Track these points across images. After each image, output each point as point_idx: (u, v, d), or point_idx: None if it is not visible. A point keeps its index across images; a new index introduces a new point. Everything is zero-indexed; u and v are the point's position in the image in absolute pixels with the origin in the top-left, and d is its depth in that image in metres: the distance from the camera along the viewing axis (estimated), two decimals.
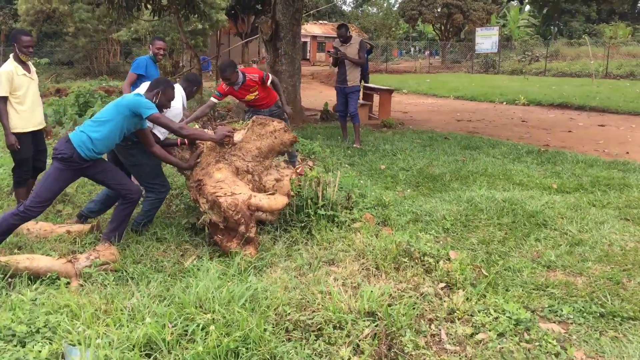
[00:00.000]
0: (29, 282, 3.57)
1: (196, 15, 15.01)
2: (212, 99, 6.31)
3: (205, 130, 4.80)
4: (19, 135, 5.15)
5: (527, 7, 47.76)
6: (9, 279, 3.57)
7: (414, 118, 12.64)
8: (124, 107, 4.06)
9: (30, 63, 5.38)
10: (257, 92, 6.21)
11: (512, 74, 30.71)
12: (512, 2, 48.95)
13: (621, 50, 31.54)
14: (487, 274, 3.73)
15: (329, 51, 8.71)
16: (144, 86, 4.78)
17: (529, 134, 10.17)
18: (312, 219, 4.49)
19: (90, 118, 4.32)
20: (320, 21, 55.72)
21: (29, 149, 5.31)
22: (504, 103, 16.36)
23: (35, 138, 5.36)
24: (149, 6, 13.92)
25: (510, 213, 5.00)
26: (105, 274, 3.70)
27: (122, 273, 3.79)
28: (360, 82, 13.61)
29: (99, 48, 27.92)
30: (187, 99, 5.14)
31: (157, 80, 4.44)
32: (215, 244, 4.23)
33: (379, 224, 4.72)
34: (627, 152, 8.27)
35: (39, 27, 26.82)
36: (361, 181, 5.92)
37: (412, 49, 59.07)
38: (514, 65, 33.05)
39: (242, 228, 3.94)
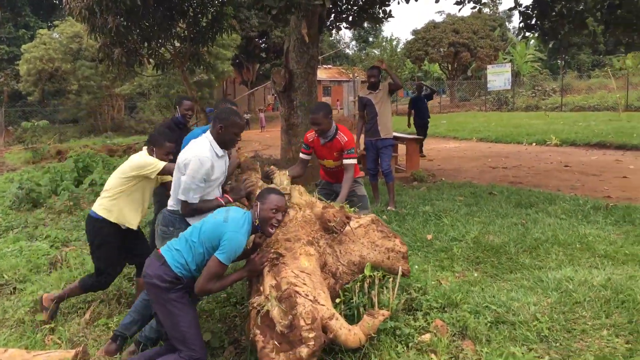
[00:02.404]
0: None
1: (202, 67, 14.20)
2: (301, 154, 5.25)
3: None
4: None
5: (532, 42, 47.20)
6: None
7: (443, 167, 11.56)
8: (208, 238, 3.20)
9: None
10: (339, 162, 5.13)
11: (527, 110, 29.84)
12: (518, 37, 48.37)
13: (632, 80, 30.50)
14: None
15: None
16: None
17: (579, 182, 9.05)
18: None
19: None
20: (325, 65, 55.67)
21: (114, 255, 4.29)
22: (534, 144, 15.29)
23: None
24: (151, 61, 13.15)
25: (619, 307, 3.83)
26: None
27: None
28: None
29: (102, 104, 27.31)
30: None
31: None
32: (248, 337, 3.16)
33: (454, 334, 3.57)
34: None
35: (42, 86, 26.28)
36: (416, 266, 4.78)
37: None
38: (528, 101, 32.24)
39: (303, 350, 2.79)
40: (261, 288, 3.19)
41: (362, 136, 7.96)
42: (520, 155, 13.02)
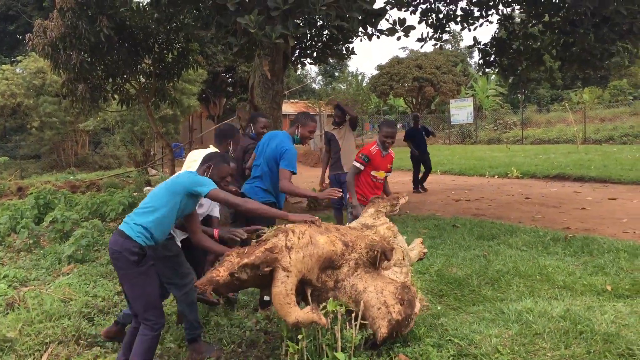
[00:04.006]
0: None
1: (167, 102, 14.16)
2: (356, 164, 5.64)
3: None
4: None
5: (493, 77, 48.45)
6: None
7: (408, 200, 11.65)
8: (179, 186, 3.54)
9: None
10: (388, 173, 5.79)
11: (489, 143, 30.49)
12: (479, 73, 49.45)
13: (589, 114, 31.53)
14: None
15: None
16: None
17: (540, 214, 9.25)
18: None
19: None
20: (292, 100, 56.05)
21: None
22: (495, 177, 15.60)
23: None
24: (116, 96, 13.08)
25: (578, 337, 3.91)
26: None
27: None
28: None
29: (66, 140, 26.88)
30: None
31: (210, 155, 3.96)
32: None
33: None
34: None
35: (3, 122, 25.79)
36: None
37: None
38: (490, 134, 32.96)
39: (244, 260, 3.19)
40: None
41: (328, 170, 8.06)
42: (483, 188, 13.26)
